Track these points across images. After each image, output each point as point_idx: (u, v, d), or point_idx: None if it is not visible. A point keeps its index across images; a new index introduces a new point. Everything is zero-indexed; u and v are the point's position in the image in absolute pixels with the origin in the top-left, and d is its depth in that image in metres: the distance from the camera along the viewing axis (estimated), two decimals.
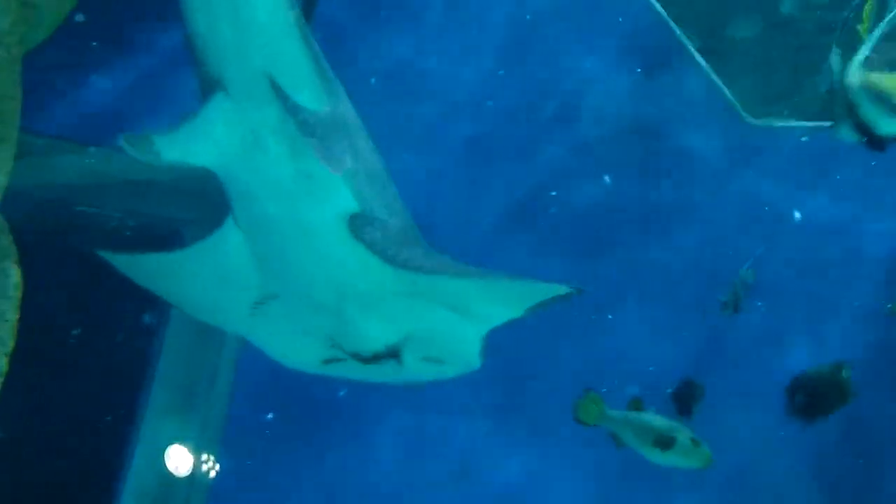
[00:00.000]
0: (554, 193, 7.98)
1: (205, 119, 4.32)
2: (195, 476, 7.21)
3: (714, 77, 7.91)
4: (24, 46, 3.81)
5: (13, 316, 3.65)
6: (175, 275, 4.99)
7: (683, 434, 5.46)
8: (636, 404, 5.56)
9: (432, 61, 7.85)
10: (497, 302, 5.16)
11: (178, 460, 7.13)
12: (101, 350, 7.18)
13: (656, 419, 5.49)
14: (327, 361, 5.17)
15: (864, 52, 3.89)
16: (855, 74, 3.83)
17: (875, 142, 3.95)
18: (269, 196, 4.56)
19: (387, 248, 4.77)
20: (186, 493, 7.22)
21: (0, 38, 3.62)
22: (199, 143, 4.34)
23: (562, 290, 5.12)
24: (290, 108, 4.33)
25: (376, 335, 5.10)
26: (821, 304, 8.11)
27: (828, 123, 5.11)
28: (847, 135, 4.00)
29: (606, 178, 7.98)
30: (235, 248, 4.85)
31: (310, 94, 4.36)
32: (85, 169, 7.02)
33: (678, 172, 8.15)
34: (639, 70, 8.07)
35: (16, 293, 3.70)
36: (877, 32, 3.89)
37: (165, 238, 7.29)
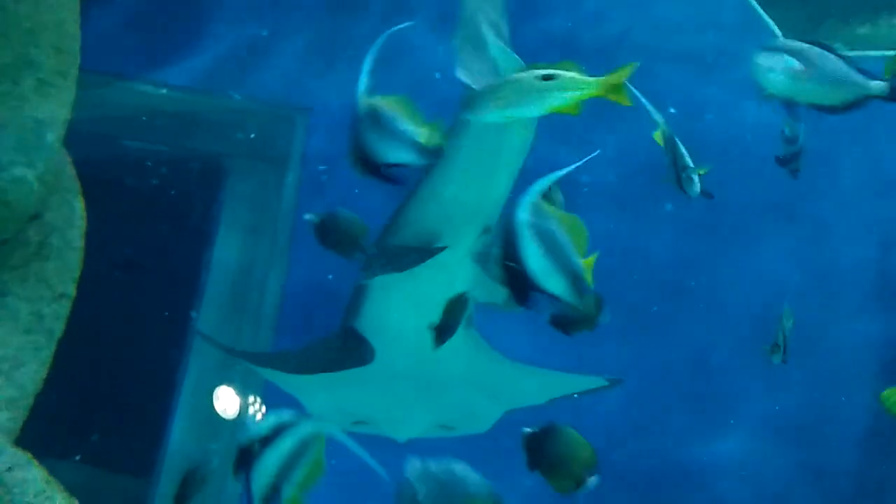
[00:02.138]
0: None
1: None
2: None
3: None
4: None
5: (80, 244, 3.85)
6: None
7: None
8: None
9: None
10: (532, 391, 5.33)
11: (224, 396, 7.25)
12: (152, 275, 7.31)
13: None
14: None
15: None
16: None
17: None
18: None
19: None
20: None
21: None
22: None
23: (599, 382, 5.29)
24: None
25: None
26: None
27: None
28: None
29: None
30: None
31: None
32: (130, 103, 7.17)
33: None
34: None
35: (81, 223, 3.90)
36: None
37: (209, 172, 7.43)
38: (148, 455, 7.27)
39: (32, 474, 3.29)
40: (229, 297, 7.26)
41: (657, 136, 4.63)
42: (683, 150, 4.64)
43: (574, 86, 3.34)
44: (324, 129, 7.63)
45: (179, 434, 7.29)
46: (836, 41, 7.86)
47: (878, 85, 3.77)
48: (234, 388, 7.35)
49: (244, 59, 7.45)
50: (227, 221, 7.30)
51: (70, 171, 3.96)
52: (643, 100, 4.47)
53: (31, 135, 3.61)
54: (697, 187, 4.61)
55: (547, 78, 3.35)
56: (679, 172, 4.60)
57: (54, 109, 3.68)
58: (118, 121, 7.11)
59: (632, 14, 8.07)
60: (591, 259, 3.35)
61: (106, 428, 7.46)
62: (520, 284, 3.35)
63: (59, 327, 3.81)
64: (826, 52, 3.82)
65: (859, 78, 3.79)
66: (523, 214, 3.36)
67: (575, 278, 3.34)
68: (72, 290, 3.84)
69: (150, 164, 7.30)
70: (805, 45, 3.83)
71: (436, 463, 3.26)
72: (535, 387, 5.50)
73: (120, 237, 6.82)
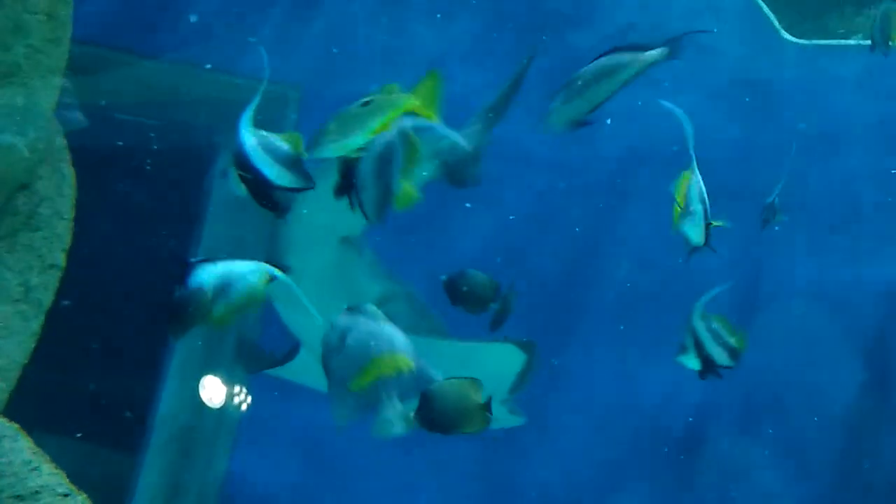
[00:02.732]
0: None
1: None
2: (225, 411, 7.34)
3: None
4: None
5: (69, 214, 3.81)
6: None
7: None
8: None
9: None
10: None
11: (210, 390, 7.27)
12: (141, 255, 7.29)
13: None
14: None
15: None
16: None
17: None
18: None
19: None
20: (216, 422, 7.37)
21: None
22: None
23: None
24: None
25: None
26: None
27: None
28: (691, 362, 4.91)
29: None
30: None
31: None
32: (126, 78, 7.11)
33: None
34: None
35: (71, 193, 3.86)
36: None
37: (201, 148, 7.38)
38: (135, 429, 7.25)
39: (20, 444, 3.27)
40: None
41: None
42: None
43: (387, 107, 3.64)
44: (316, 106, 7.59)
45: (167, 407, 7.27)
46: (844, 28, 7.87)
47: None
48: (222, 364, 7.36)
49: (236, 34, 7.39)
50: (218, 197, 7.26)
51: (61, 140, 3.92)
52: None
53: (21, 102, 3.57)
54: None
55: (366, 104, 3.65)
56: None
57: (45, 77, 3.63)
58: (110, 93, 7.05)
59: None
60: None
61: (93, 401, 7.44)
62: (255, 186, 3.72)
63: (47, 298, 3.78)
64: None
65: None
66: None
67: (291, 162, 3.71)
68: (61, 260, 3.81)
69: (141, 138, 7.24)
70: None
71: (364, 316, 3.62)
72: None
73: (110, 210, 6.77)
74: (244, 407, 7.36)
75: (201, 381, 7.29)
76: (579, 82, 3.95)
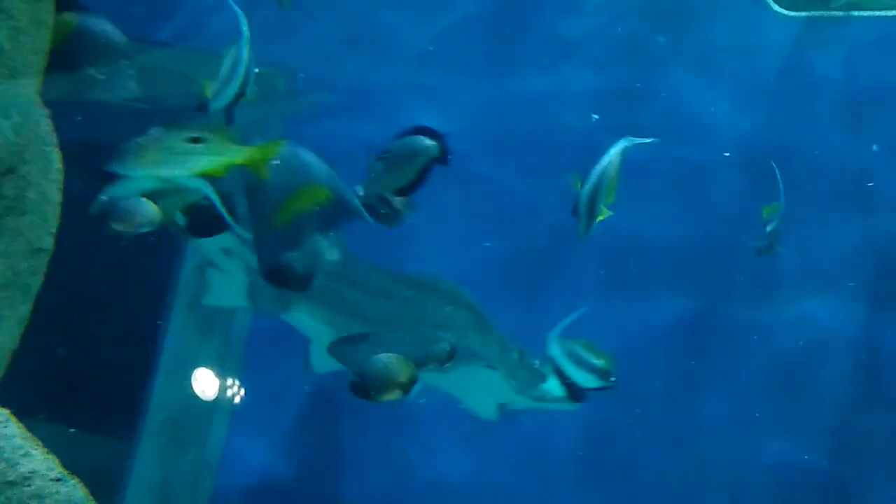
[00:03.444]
0: None
1: None
2: (218, 398, 7.33)
3: None
4: None
5: (57, 198, 3.76)
6: None
7: None
8: None
9: None
10: None
11: (202, 382, 7.26)
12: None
13: None
14: None
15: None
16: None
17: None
18: None
19: None
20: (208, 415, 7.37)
21: None
22: None
23: None
24: None
25: None
26: None
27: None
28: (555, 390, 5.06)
29: None
30: None
31: None
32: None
33: None
34: None
35: (58, 177, 3.81)
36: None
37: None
38: (129, 415, 7.23)
39: (10, 430, 3.24)
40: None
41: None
42: None
43: (221, 152, 3.68)
44: (304, 91, 7.57)
45: (160, 394, 7.25)
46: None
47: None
48: (215, 350, 7.34)
49: (224, 16, 7.34)
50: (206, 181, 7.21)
51: (47, 123, 3.86)
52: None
53: (5, 85, 3.52)
54: None
55: (195, 140, 3.70)
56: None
57: (29, 59, 3.59)
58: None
59: None
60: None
61: (86, 388, 7.41)
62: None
63: (36, 283, 3.74)
64: None
65: None
66: None
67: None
68: (49, 244, 3.77)
69: (126, 119, 7.18)
70: None
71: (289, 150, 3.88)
72: None
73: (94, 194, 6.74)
74: (238, 394, 7.34)
75: (194, 369, 7.28)
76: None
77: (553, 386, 5.03)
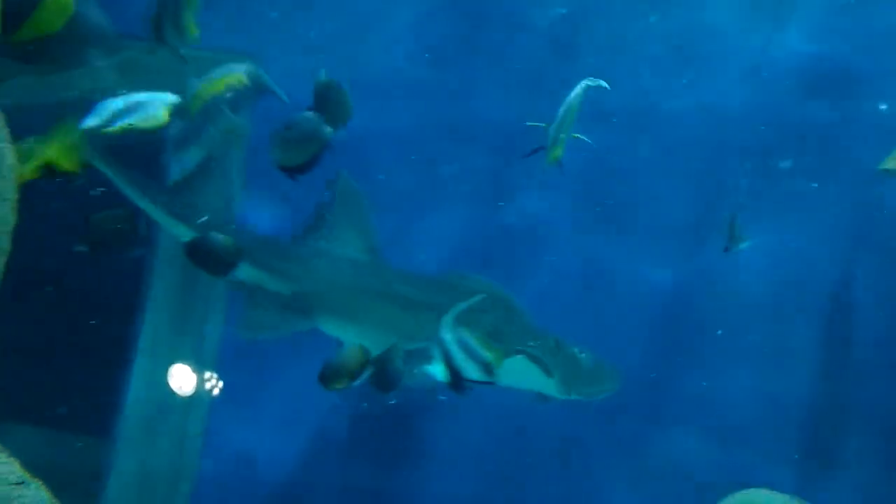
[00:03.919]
0: None
1: None
2: (193, 397, 7.29)
3: None
4: None
5: (12, 195, 3.68)
6: None
7: None
8: None
9: None
10: None
11: (177, 380, 7.23)
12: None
13: None
14: None
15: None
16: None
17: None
18: None
19: None
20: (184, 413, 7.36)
21: None
22: None
23: None
24: None
25: None
26: None
27: None
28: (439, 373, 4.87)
29: None
30: None
31: None
32: None
33: None
34: None
35: (11, 173, 3.72)
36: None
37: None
38: (106, 416, 7.19)
39: None
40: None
41: None
42: None
43: (27, 157, 3.81)
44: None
45: (136, 394, 7.21)
46: None
47: None
48: (189, 349, 7.33)
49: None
50: (174, 172, 7.14)
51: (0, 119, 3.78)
52: None
53: None
54: None
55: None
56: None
57: None
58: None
59: None
60: None
61: (63, 390, 7.36)
62: None
63: None
64: None
65: None
66: None
67: None
68: (6, 242, 3.69)
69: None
70: None
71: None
72: None
73: (74, 194, 6.68)
74: (215, 387, 7.30)
75: (170, 364, 7.24)
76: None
77: (438, 371, 4.94)
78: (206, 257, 5.08)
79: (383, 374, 4.97)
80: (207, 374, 7.28)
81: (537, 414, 6.92)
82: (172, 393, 7.21)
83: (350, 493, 7.29)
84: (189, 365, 7.27)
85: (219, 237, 5.07)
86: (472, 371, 4.81)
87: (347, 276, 6.31)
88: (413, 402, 7.01)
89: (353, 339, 6.01)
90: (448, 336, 4.80)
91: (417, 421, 7.27)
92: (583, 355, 6.00)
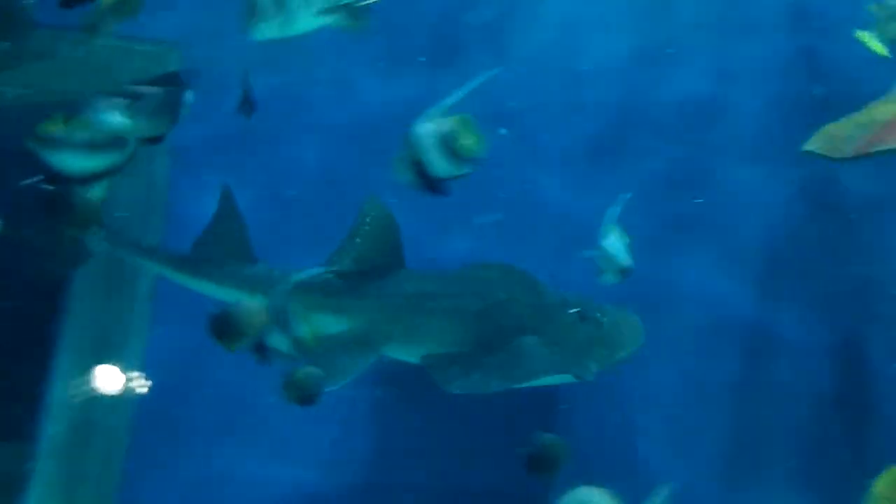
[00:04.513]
0: None
1: None
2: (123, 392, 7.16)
3: None
4: None
5: None
6: None
7: None
8: None
9: None
10: None
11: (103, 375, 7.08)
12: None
13: None
14: None
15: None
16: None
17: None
18: None
19: None
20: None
21: None
22: None
23: None
24: None
25: None
26: None
27: None
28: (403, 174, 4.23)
29: None
30: None
31: None
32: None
33: None
34: None
35: None
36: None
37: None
38: (27, 420, 7.00)
39: None
40: None
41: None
42: None
43: None
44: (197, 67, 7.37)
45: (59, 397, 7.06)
46: None
47: None
48: (113, 349, 7.17)
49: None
50: None
51: None
52: None
53: None
54: None
55: None
56: None
57: None
58: None
59: None
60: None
61: None
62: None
63: None
64: None
65: None
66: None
67: None
68: None
69: (14, 107, 6.92)
70: None
71: None
72: None
73: None
74: (141, 389, 7.15)
75: (94, 367, 7.07)
76: None
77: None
78: (63, 213, 4.75)
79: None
80: (136, 372, 7.11)
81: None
82: (98, 393, 7.03)
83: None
84: (115, 363, 7.09)
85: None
86: (443, 166, 4.12)
87: (396, 294, 6.15)
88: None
89: (416, 357, 5.93)
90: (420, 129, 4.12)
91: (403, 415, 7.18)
92: (604, 319, 5.95)
